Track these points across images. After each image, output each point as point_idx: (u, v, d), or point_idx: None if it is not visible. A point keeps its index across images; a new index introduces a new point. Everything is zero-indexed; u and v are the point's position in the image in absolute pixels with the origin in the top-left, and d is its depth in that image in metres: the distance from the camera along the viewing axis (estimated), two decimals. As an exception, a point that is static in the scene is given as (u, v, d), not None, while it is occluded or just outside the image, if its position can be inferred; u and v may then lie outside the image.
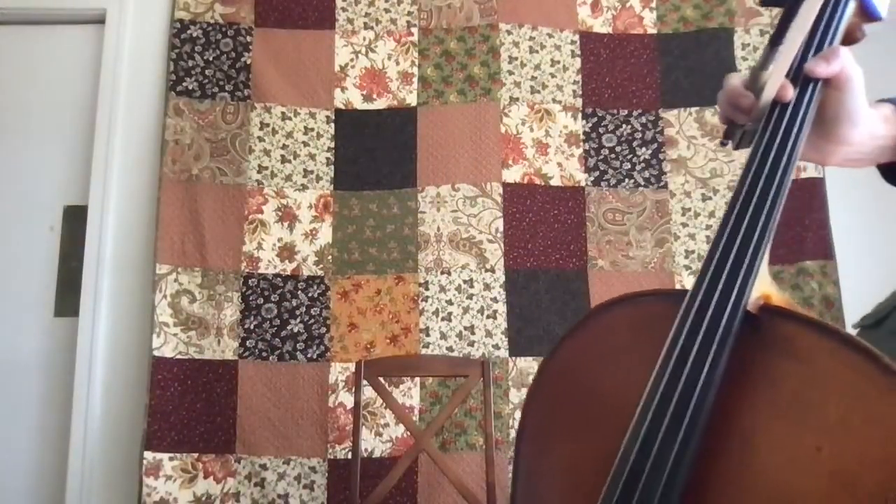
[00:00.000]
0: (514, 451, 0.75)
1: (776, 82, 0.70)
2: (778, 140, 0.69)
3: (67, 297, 2.17)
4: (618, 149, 2.22)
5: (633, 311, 0.70)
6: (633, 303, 0.70)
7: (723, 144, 0.78)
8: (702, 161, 2.21)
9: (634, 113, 2.24)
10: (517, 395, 2.05)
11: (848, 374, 0.53)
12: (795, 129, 0.68)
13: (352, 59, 2.26)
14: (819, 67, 0.67)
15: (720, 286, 0.60)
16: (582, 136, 2.22)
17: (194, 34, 2.25)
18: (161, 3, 2.28)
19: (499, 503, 1.88)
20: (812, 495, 0.52)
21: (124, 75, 2.25)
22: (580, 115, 2.24)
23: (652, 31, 2.30)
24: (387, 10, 2.29)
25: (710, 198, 2.19)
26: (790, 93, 0.68)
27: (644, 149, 2.22)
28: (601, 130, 2.23)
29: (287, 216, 2.16)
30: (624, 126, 2.23)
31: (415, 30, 2.28)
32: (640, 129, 2.23)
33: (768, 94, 0.69)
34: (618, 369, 0.67)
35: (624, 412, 0.61)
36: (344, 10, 2.28)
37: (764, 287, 0.61)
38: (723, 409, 0.57)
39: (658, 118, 2.24)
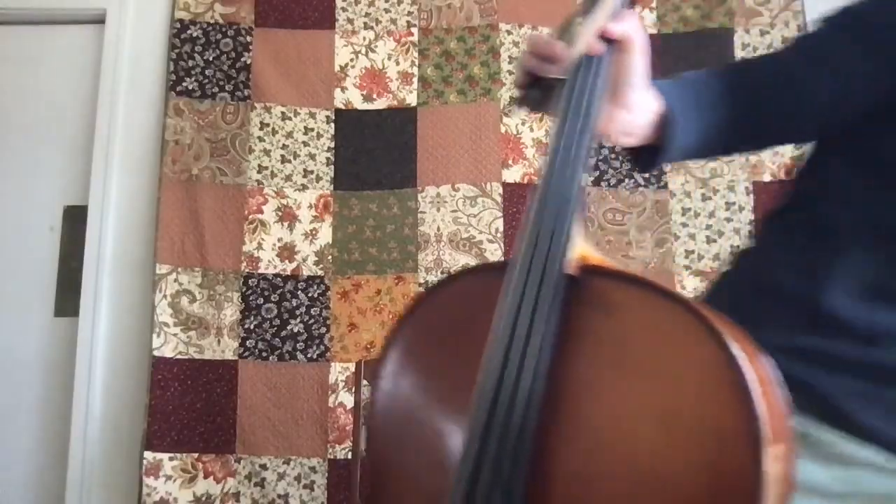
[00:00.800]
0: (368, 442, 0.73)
1: (591, 32, 0.70)
2: (587, 94, 0.69)
3: (67, 297, 2.17)
4: (618, 149, 2.22)
5: (463, 288, 0.70)
6: (459, 281, 0.71)
7: (516, 108, 0.76)
8: (702, 161, 2.21)
9: (634, 113, 2.24)
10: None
11: (658, 318, 0.56)
12: (600, 84, 0.69)
13: (352, 59, 2.26)
14: (615, 27, 0.69)
15: (537, 252, 0.62)
16: (582, 136, 2.22)
17: (194, 34, 2.25)
18: (161, 3, 2.28)
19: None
20: (649, 439, 0.54)
21: (124, 75, 2.24)
22: (580, 115, 2.24)
23: (652, 31, 2.30)
24: (387, 10, 2.29)
25: (710, 198, 2.19)
26: (601, 47, 0.69)
27: (644, 149, 2.22)
28: (601, 130, 2.23)
29: (287, 216, 2.16)
30: (624, 126, 2.23)
31: (415, 30, 2.28)
32: (640, 129, 2.23)
33: (582, 44, 0.70)
34: (459, 347, 0.66)
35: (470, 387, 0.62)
36: (344, 10, 2.28)
37: (580, 248, 0.63)
38: (561, 371, 0.59)
39: (658, 118, 2.23)
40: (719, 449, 0.51)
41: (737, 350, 0.52)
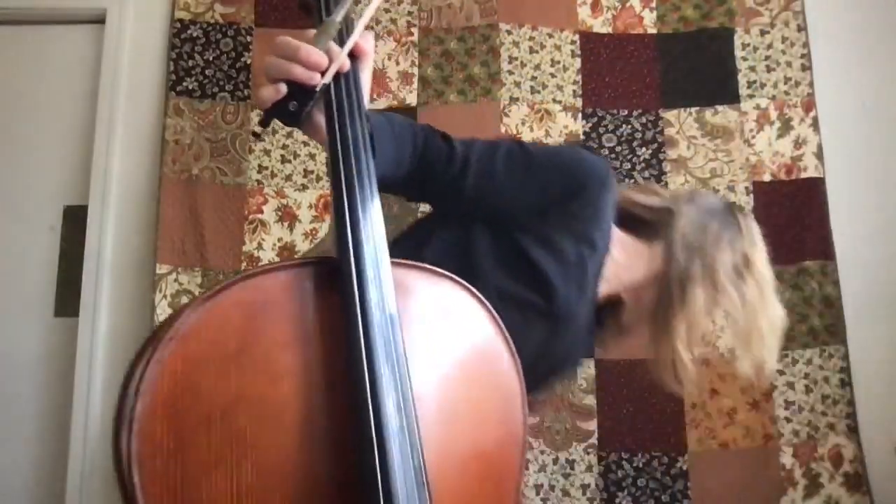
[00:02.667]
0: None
1: (357, 36, 0.74)
2: (355, 90, 0.74)
3: (67, 297, 2.17)
4: (618, 149, 2.22)
5: (246, 295, 0.63)
6: (244, 286, 0.63)
7: (257, 134, 0.76)
8: (702, 161, 2.21)
9: (634, 113, 2.24)
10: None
11: (444, 292, 0.73)
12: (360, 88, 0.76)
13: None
14: (365, 42, 0.76)
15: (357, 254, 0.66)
16: (582, 136, 2.22)
17: (194, 34, 2.25)
18: (161, 3, 2.28)
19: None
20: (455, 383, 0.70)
21: (124, 75, 2.24)
22: (580, 115, 2.24)
23: (652, 31, 2.30)
24: (387, 10, 2.29)
25: (710, 198, 2.19)
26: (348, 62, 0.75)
27: (644, 149, 2.22)
28: (601, 130, 2.23)
29: (287, 216, 2.16)
30: (624, 126, 2.23)
31: (415, 30, 2.28)
32: (640, 129, 2.23)
33: (344, 55, 0.72)
34: (252, 365, 0.60)
35: (288, 414, 0.60)
36: (344, 10, 2.28)
37: None
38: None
39: (658, 118, 2.24)
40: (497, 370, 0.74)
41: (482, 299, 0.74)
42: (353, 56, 0.74)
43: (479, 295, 0.74)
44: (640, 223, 1.12)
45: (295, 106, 0.72)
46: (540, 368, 1.08)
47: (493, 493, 0.71)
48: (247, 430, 0.59)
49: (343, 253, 0.64)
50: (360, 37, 0.75)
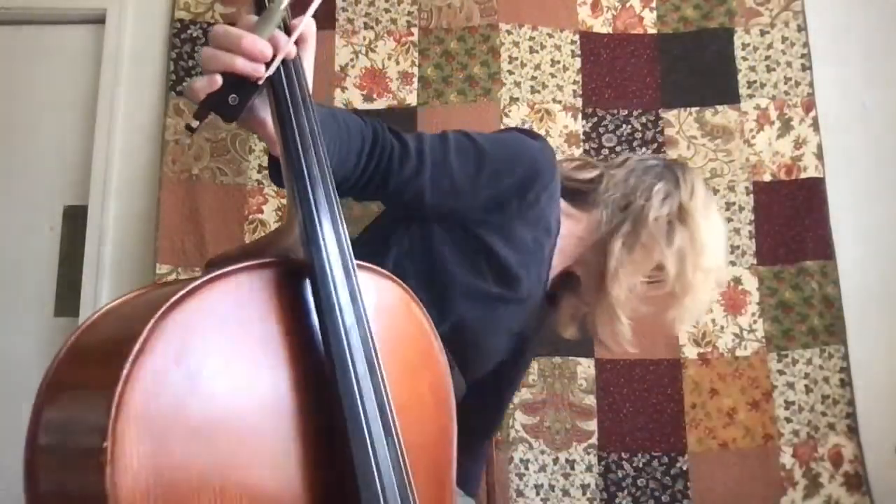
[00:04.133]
0: None
1: (306, 21, 0.71)
2: (303, 80, 0.71)
3: (67, 297, 2.17)
4: (618, 149, 2.22)
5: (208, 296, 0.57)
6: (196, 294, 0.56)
7: (192, 129, 0.68)
8: (702, 161, 2.21)
9: (634, 113, 2.24)
10: (517, 394, 2.05)
11: (386, 290, 0.74)
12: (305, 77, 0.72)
13: (352, 59, 2.26)
14: (308, 25, 0.72)
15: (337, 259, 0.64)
16: (582, 136, 2.22)
17: (194, 34, 2.25)
18: (161, 3, 2.28)
19: (499, 503, 1.89)
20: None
21: (124, 75, 2.24)
22: (580, 115, 2.24)
23: (652, 31, 2.30)
24: (387, 10, 2.29)
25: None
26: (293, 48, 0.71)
27: (644, 149, 2.22)
28: (601, 130, 2.23)
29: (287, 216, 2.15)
30: (624, 126, 2.23)
31: (415, 30, 2.28)
32: (640, 129, 2.23)
33: (290, 42, 0.68)
34: (221, 371, 0.55)
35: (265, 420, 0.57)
36: (344, 10, 2.28)
37: None
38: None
39: (658, 118, 2.24)
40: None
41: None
42: (296, 42, 0.70)
43: (409, 289, 0.75)
44: (579, 194, 1.15)
45: (235, 99, 0.66)
46: (515, 342, 1.14)
47: (436, 487, 0.73)
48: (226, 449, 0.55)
49: (315, 252, 0.62)
50: (306, 26, 0.71)
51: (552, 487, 2.02)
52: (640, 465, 2.02)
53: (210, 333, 0.55)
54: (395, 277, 0.73)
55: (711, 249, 1.14)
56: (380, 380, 0.62)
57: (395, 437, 0.62)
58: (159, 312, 0.51)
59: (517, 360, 1.25)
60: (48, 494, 0.57)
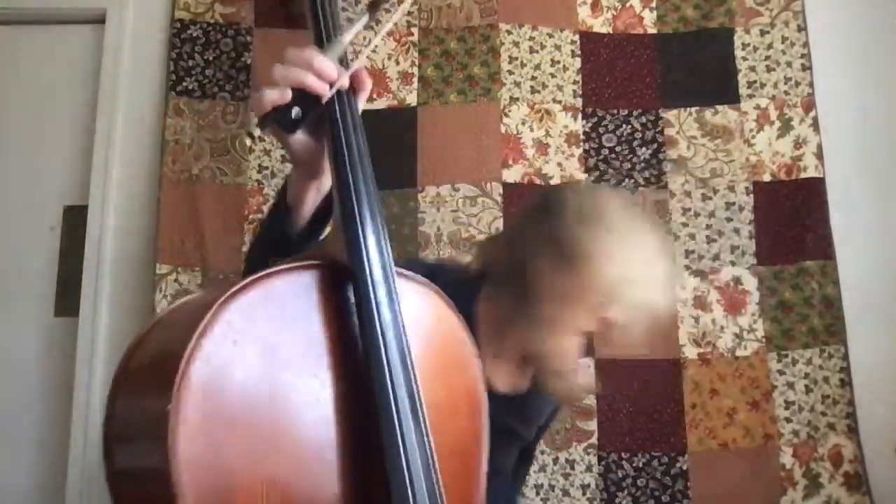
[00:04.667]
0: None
1: (360, 63, 0.79)
2: (356, 110, 0.80)
3: (67, 297, 2.17)
4: (618, 149, 2.22)
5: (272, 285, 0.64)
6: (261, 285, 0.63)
7: (253, 135, 0.75)
8: (702, 161, 2.21)
9: (634, 113, 2.24)
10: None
11: (427, 299, 0.76)
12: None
13: (352, 60, 2.25)
14: (364, 77, 0.82)
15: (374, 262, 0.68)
16: (582, 136, 2.22)
17: (194, 34, 2.25)
18: (161, 3, 2.28)
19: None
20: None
21: (124, 75, 2.24)
22: (580, 115, 2.24)
23: (652, 31, 2.29)
24: (387, 11, 2.29)
25: (710, 198, 2.19)
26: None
27: (644, 149, 2.22)
28: (601, 130, 2.23)
29: (287, 216, 2.15)
30: (624, 126, 2.23)
31: (415, 30, 2.28)
32: (640, 129, 2.23)
33: (360, 61, 0.79)
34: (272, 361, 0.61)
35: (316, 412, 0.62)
36: (344, 10, 2.28)
37: None
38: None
39: (658, 118, 2.24)
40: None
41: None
42: (354, 87, 0.79)
43: (453, 304, 0.78)
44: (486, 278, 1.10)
45: (298, 113, 0.73)
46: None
47: (465, 490, 0.75)
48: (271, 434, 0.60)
49: (358, 262, 0.67)
50: (363, 72, 0.81)
51: (552, 487, 2.02)
52: (640, 465, 2.02)
53: (263, 323, 0.61)
54: (432, 285, 0.76)
55: (629, 285, 0.97)
56: (411, 373, 0.65)
57: (423, 427, 0.65)
58: (220, 300, 0.58)
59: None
60: (123, 464, 0.65)
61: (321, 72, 0.72)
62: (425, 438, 0.65)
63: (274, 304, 0.62)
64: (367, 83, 0.81)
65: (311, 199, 0.80)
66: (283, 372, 0.61)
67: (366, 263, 0.66)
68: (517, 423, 1.17)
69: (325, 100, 0.74)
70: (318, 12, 0.81)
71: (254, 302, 0.61)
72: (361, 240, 0.67)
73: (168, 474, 0.53)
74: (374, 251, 0.68)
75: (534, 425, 1.23)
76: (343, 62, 0.77)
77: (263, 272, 0.62)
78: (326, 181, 0.79)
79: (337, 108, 0.75)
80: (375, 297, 0.65)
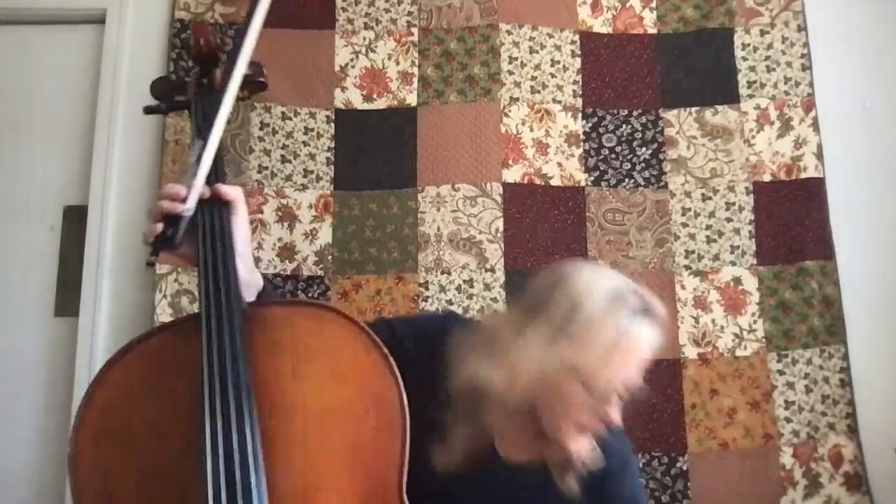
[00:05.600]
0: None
1: (203, 173, 0.98)
2: (219, 218, 1.01)
3: (67, 297, 2.17)
4: (618, 149, 2.22)
5: (142, 352, 0.95)
6: (137, 348, 0.95)
7: (151, 264, 0.95)
8: (702, 161, 2.21)
9: (634, 113, 2.24)
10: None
11: (304, 321, 0.94)
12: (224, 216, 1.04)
13: (352, 59, 2.26)
14: (225, 189, 1.05)
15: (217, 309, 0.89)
16: (582, 136, 2.22)
17: (194, 34, 2.24)
18: (161, 3, 2.28)
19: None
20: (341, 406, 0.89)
21: (124, 75, 2.24)
22: (580, 115, 2.24)
23: (652, 31, 2.30)
24: (387, 10, 2.29)
25: (710, 198, 2.19)
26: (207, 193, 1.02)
27: (644, 149, 2.22)
28: (601, 130, 2.23)
29: (287, 216, 2.16)
30: (624, 126, 2.23)
31: (415, 30, 2.28)
32: (640, 129, 2.23)
33: (196, 191, 0.96)
34: (151, 402, 0.87)
35: (176, 432, 0.84)
36: (344, 10, 2.28)
37: None
38: (262, 384, 0.85)
39: (658, 118, 2.24)
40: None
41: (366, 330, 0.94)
42: (223, 201, 1.00)
43: (357, 323, 0.94)
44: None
45: (170, 232, 0.92)
46: None
47: (363, 479, 0.87)
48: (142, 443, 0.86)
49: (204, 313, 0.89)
50: (229, 187, 1.03)
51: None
52: (640, 466, 2.02)
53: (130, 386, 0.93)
54: (331, 308, 0.98)
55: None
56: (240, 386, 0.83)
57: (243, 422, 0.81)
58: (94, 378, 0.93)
59: None
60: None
61: (169, 195, 0.94)
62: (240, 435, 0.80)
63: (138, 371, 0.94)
64: (227, 195, 1.01)
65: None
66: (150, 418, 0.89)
67: (204, 316, 0.87)
68: (544, 495, 1.08)
69: (184, 215, 0.93)
70: (195, 138, 1.07)
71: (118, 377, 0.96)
72: (207, 290, 0.90)
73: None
74: (215, 303, 0.88)
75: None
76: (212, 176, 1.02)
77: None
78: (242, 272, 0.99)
79: (199, 217, 0.96)
80: (208, 354, 0.85)
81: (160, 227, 0.92)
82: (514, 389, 0.99)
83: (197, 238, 0.94)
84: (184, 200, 0.93)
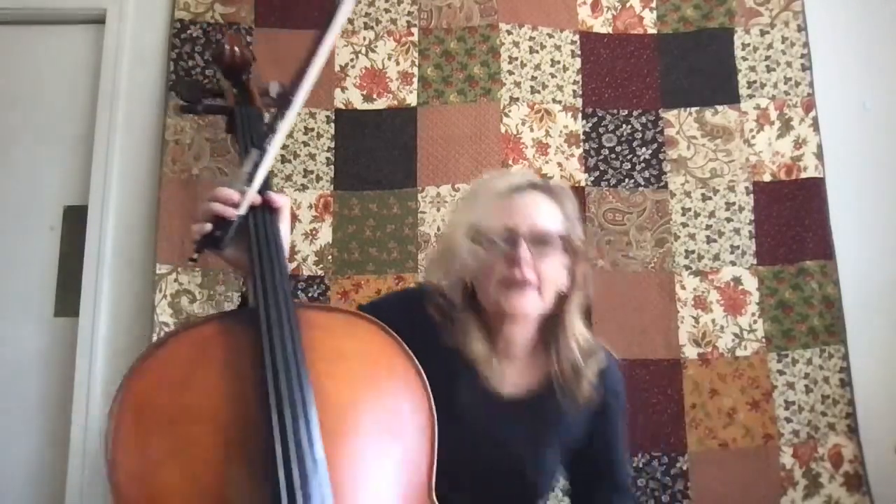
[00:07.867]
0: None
1: (259, 180, 1.00)
2: (269, 225, 1.04)
3: (67, 297, 2.17)
4: (618, 149, 2.22)
5: (190, 337, 0.95)
6: (184, 334, 0.95)
7: (194, 260, 0.99)
8: (702, 161, 2.21)
9: (634, 113, 2.24)
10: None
11: (340, 326, 1.00)
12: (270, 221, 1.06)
13: (352, 59, 2.26)
14: (274, 196, 1.06)
15: (276, 305, 0.94)
16: (582, 136, 2.22)
17: (194, 34, 2.25)
18: (161, 3, 2.28)
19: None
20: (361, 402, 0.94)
21: (124, 75, 2.24)
22: (580, 115, 2.24)
23: (652, 31, 2.30)
24: (387, 10, 2.29)
25: (710, 198, 2.19)
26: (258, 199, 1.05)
27: (644, 149, 2.22)
28: (601, 130, 2.23)
29: (287, 216, 2.15)
30: (624, 126, 2.23)
31: (415, 30, 2.28)
32: (640, 129, 2.23)
33: (250, 196, 0.99)
34: (194, 388, 0.88)
35: (219, 420, 0.86)
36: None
37: None
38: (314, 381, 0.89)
39: (658, 118, 2.24)
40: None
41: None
42: (271, 209, 1.03)
43: (384, 327, 1.00)
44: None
45: (218, 234, 0.96)
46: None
47: (401, 489, 0.91)
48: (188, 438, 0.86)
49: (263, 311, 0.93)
50: (278, 195, 1.04)
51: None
52: (640, 465, 2.02)
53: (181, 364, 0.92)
54: (363, 315, 1.02)
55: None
56: (302, 385, 0.87)
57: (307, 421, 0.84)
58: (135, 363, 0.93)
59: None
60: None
61: (223, 199, 0.97)
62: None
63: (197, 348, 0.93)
64: (277, 202, 1.04)
65: None
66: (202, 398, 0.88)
67: (262, 314, 0.91)
68: (537, 425, 1.22)
69: (235, 219, 0.97)
70: (240, 146, 1.13)
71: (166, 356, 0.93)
72: (262, 297, 0.94)
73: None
74: (274, 303, 0.93)
75: (558, 427, 1.25)
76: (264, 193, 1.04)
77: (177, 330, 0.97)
78: None
79: (251, 222, 1.00)
80: (268, 347, 0.88)
81: (209, 227, 0.96)
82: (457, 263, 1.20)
83: (250, 242, 0.98)
84: (236, 205, 0.97)
